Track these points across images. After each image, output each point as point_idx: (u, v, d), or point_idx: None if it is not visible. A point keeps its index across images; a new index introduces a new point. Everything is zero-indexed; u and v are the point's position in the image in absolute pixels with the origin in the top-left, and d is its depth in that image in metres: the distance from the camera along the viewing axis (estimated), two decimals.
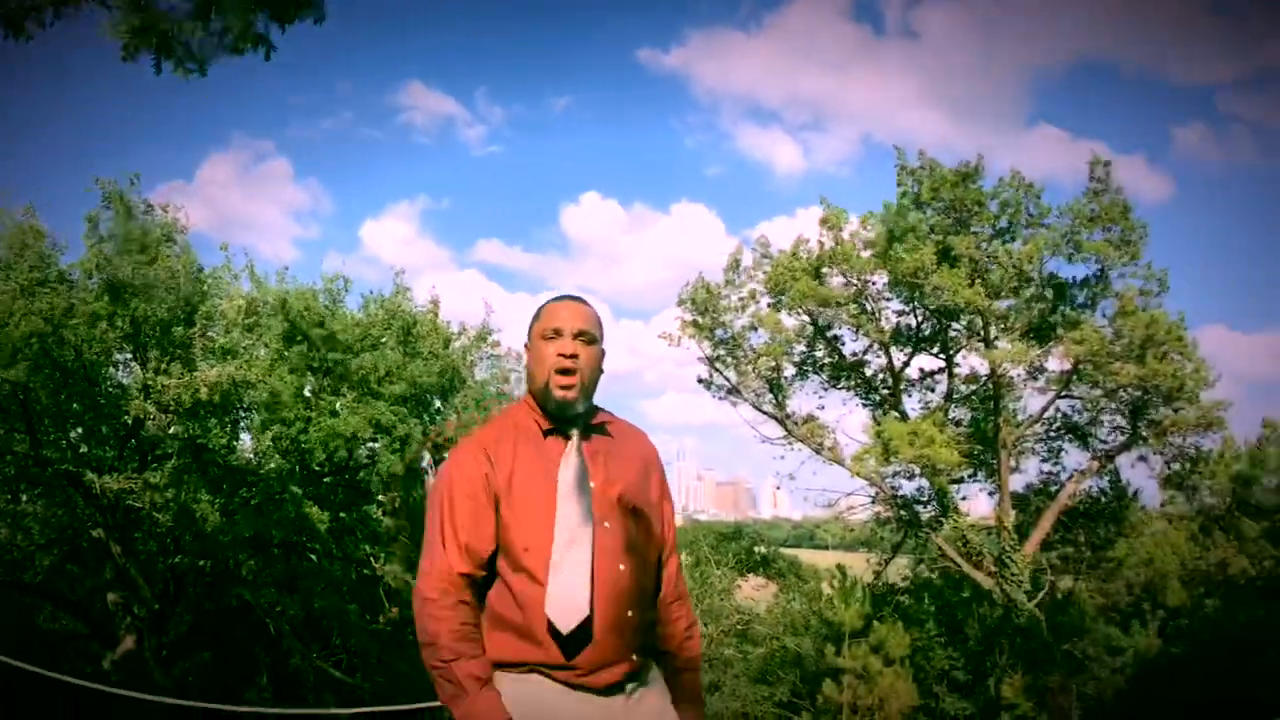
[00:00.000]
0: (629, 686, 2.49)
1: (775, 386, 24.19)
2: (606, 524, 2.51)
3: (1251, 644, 22.15)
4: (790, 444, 24.66)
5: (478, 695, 2.35)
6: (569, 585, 2.43)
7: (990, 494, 25.15)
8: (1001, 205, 21.49)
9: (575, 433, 2.61)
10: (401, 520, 18.05)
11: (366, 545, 17.68)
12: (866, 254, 22.58)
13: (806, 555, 44.10)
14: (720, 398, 24.86)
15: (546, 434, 2.61)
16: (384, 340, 17.39)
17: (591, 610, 2.42)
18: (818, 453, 24.14)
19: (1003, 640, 22.95)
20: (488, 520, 2.50)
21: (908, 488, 24.94)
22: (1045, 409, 23.77)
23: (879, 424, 22.83)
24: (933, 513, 24.38)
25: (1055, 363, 22.28)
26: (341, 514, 17.30)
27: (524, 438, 2.60)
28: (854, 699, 21.99)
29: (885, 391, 24.94)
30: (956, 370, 24.59)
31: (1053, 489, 24.74)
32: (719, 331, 24.10)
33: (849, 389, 25.59)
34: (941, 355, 24.60)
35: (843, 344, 24.96)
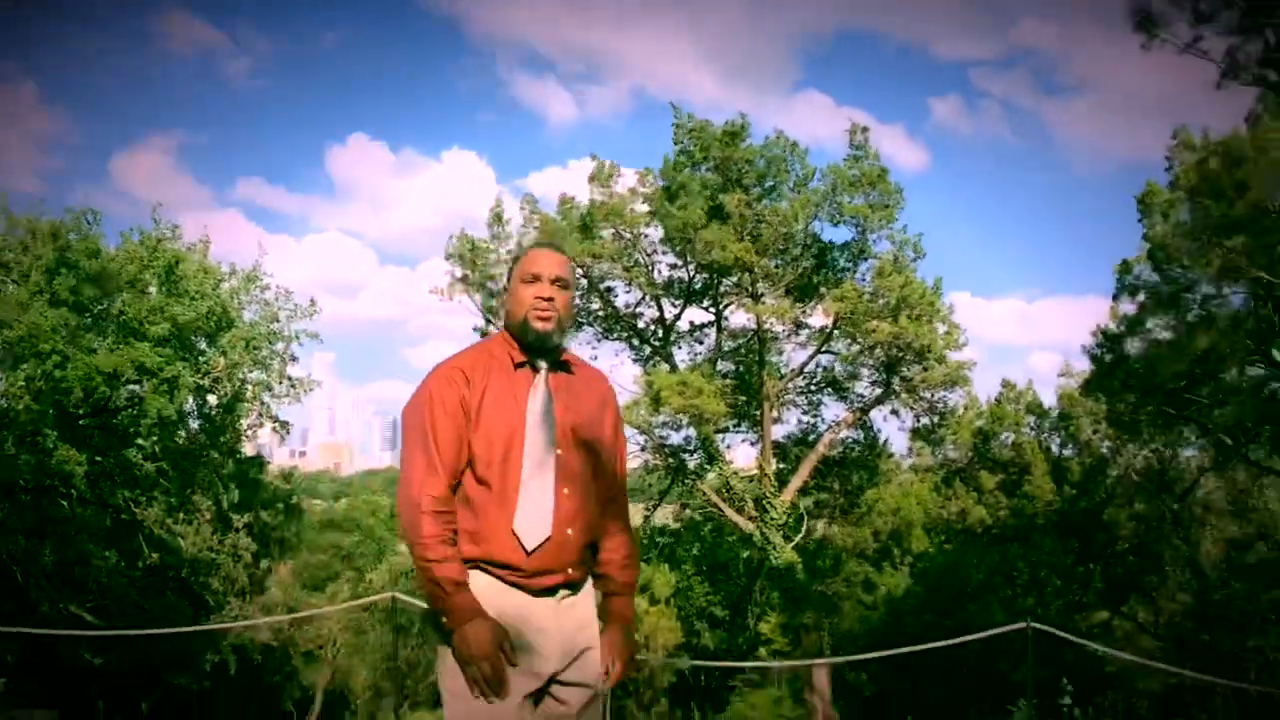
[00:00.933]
0: (561, 594, 2.79)
1: None
2: (563, 452, 2.80)
3: (985, 585, 24.36)
4: None
5: (456, 594, 2.65)
6: (535, 506, 2.74)
7: (753, 444, 26.50)
8: (768, 163, 22.52)
9: (544, 366, 2.88)
10: (165, 464, 17.66)
11: (125, 490, 17.14)
12: (643, 208, 23.25)
13: None
14: None
15: (518, 366, 2.87)
16: (144, 278, 16.82)
17: (554, 529, 2.75)
18: None
19: (763, 580, 24.29)
20: (463, 438, 2.77)
21: (675, 438, 25.90)
22: (806, 363, 25.25)
23: (649, 375, 23.59)
24: (698, 461, 25.41)
25: (817, 319, 23.56)
26: (99, 458, 16.71)
27: (497, 366, 2.86)
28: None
29: (656, 344, 25.73)
30: (725, 324, 25.71)
31: (811, 439, 26.28)
32: (491, 284, 24.19)
33: (620, 339, 26.28)
34: (711, 309, 25.65)
35: (615, 296, 25.57)
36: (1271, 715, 13.83)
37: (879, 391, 25.65)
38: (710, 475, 24.48)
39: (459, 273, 24.04)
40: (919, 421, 27.00)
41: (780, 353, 25.11)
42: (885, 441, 27.87)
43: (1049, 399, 32.09)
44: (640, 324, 26.18)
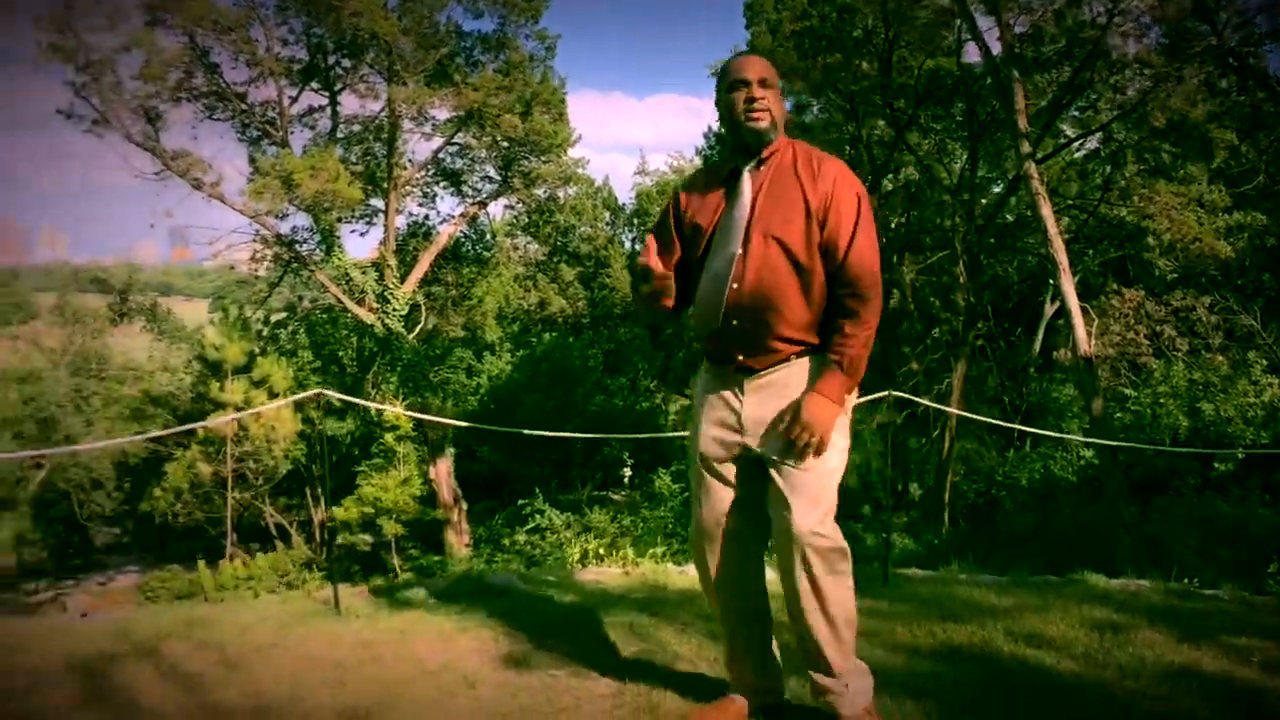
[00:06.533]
0: (755, 375, 3.19)
1: (152, 116, 23.26)
2: (744, 250, 3.12)
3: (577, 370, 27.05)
4: (164, 179, 24.01)
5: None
6: (707, 300, 3.16)
7: (363, 235, 26.82)
8: None
9: (748, 170, 3.20)
10: None
11: None
12: None
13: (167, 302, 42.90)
14: (85, 130, 23.31)
15: (729, 174, 3.24)
16: None
17: (722, 320, 3.14)
18: (198, 189, 23.85)
19: (382, 369, 25.29)
20: (674, 247, 3.31)
21: (282, 228, 25.60)
22: (437, 152, 25.68)
23: (266, 157, 23.21)
24: (312, 251, 25.39)
25: (443, 111, 23.97)
26: None
27: (714, 179, 3.30)
28: (238, 430, 23.13)
29: (267, 125, 25.01)
30: (340, 109, 25.45)
31: (425, 232, 27.10)
32: (83, 54, 22.37)
33: (227, 119, 25.32)
34: (326, 92, 25.19)
35: (221, 72, 24.51)
36: None
37: (494, 186, 26.73)
38: (329, 266, 24.56)
39: (47, 38, 21.89)
40: (529, 218, 28.66)
41: (404, 141, 25.31)
42: (494, 236, 29.35)
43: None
44: (246, 104, 25.24)
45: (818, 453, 3.10)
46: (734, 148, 3.26)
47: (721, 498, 3.27)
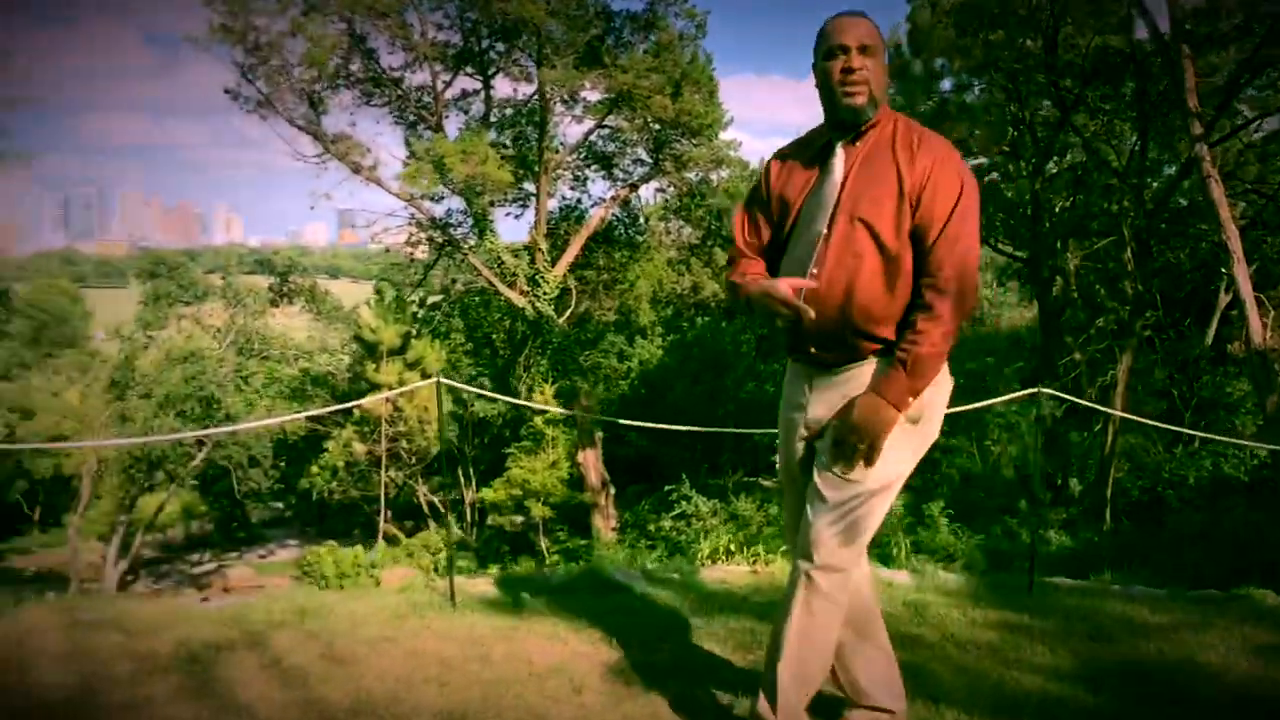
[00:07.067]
0: (834, 370, 2.92)
1: (313, 100, 23.88)
2: (828, 233, 2.84)
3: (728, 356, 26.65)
4: (325, 163, 24.66)
5: (750, 280, 2.97)
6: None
7: (516, 218, 27.10)
8: None
9: (840, 147, 2.90)
10: None
11: None
12: None
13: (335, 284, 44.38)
14: (250, 111, 24.12)
15: (822, 147, 2.96)
16: None
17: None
18: (356, 172, 24.40)
19: (532, 352, 25.45)
20: (763, 223, 3.07)
21: (436, 211, 26.09)
22: (588, 135, 25.72)
23: (421, 141, 23.56)
24: (465, 235, 25.77)
25: (594, 93, 23.98)
26: None
27: (806, 152, 3.02)
28: (392, 411, 23.59)
29: (422, 110, 25.46)
30: (493, 93, 25.73)
31: (576, 216, 27.18)
32: (252, 36, 23.07)
33: (383, 105, 25.88)
34: (479, 76, 25.50)
35: (378, 57, 25.04)
36: None
37: (645, 169, 26.64)
38: (481, 250, 24.86)
39: (218, 20, 22.60)
40: (680, 201, 28.45)
41: (555, 125, 25.41)
42: (648, 220, 29.27)
43: None
44: (402, 89, 25.75)
45: (867, 462, 2.80)
46: (829, 121, 2.95)
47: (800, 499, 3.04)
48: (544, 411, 22.68)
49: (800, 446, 3.03)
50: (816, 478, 2.88)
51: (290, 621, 4.53)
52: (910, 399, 2.79)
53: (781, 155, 3.10)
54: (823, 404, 2.93)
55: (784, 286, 2.81)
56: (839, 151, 2.89)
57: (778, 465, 3.16)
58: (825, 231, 2.83)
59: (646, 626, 4.40)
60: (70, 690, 3.67)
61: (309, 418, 24.27)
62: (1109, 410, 17.17)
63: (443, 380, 5.61)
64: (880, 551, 6.53)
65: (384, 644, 4.19)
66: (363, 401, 21.09)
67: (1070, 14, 21.81)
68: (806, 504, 2.89)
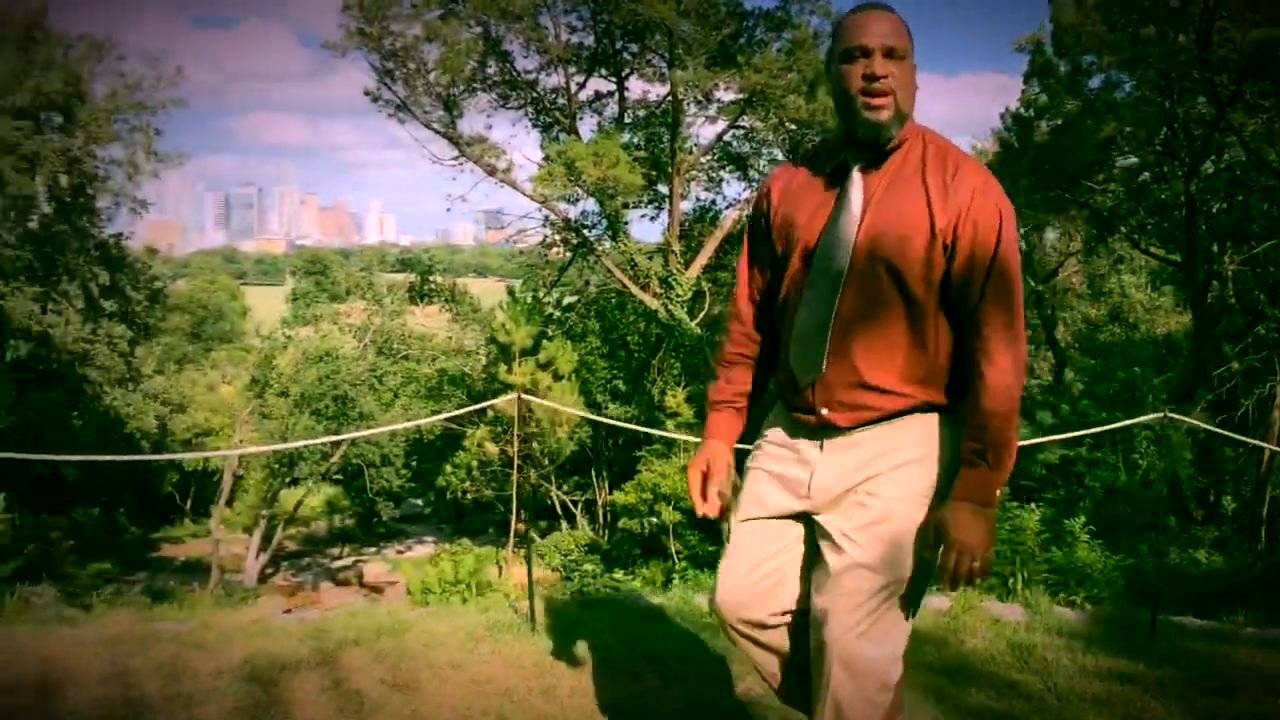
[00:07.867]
0: (834, 435, 2.46)
1: (449, 103, 24.21)
2: (850, 276, 2.38)
3: None
4: (461, 165, 25.01)
5: (710, 411, 2.69)
6: (807, 340, 2.44)
7: (652, 219, 27.06)
8: None
9: (857, 171, 2.41)
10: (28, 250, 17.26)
11: None
12: None
13: (465, 282, 45.26)
14: (389, 114, 24.62)
15: (834, 169, 2.46)
16: None
17: (823, 369, 2.42)
18: (490, 175, 24.68)
19: (666, 355, 25.33)
20: (764, 259, 2.60)
21: (571, 212, 26.24)
22: (721, 135, 25.53)
23: (555, 144, 23.68)
24: (599, 236, 25.85)
25: (727, 93, 23.80)
26: None
27: (815, 173, 2.52)
28: (525, 410, 23.71)
29: (557, 113, 25.64)
30: (627, 94, 25.74)
31: (710, 217, 26.97)
32: (387, 41, 23.53)
33: (519, 108, 26.11)
34: (613, 77, 25.54)
35: (513, 60, 25.29)
36: None
37: None
38: (615, 252, 24.93)
39: (354, 25, 23.10)
40: None
41: (688, 126, 25.30)
42: None
43: None
44: (540, 90, 25.99)
45: (985, 575, 2.29)
46: (845, 136, 2.43)
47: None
48: (676, 415, 22.56)
49: (782, 505, 2.53)
50: (855, 553, 2.37)
51: (364, 640, 4.45)
52: (999, 492, 2.36)
53: (783, 175, 2.60)
54: (833, 469, 2.45)
55: (700, 488, 2.58)
56: (856, 177, 2.40)
57: (735, 516, 2.60)
58: (842, 275, 2.37)
59: (731, 660, 4.05)
60: (112, 709, 3.61)
61: (443, 420, 24.64)
62: (1247, 439, 16.14)
63: (525, 397, 5.53)
64: (994, 583, 6.11)
65: (450, 670, 4.05)
66: (465, 410, 21.26)
67: (1225, 6, 20.73)
68: (820, 605, 2.40)
